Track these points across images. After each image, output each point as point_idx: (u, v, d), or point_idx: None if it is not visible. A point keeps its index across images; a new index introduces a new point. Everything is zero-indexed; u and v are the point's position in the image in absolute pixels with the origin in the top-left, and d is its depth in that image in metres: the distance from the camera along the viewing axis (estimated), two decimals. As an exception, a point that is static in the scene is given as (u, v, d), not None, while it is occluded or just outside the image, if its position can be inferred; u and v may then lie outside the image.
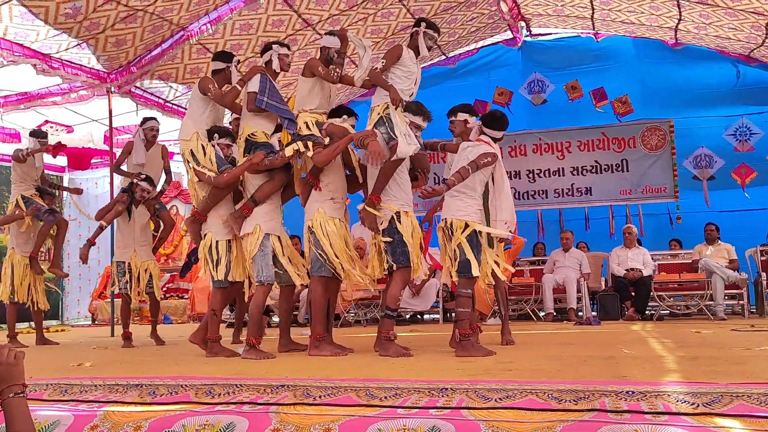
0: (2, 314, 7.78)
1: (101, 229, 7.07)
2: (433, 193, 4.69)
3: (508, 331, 5.77)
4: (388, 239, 5.02)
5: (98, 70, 8.52)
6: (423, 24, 5.44)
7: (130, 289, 7.10)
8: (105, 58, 8.15)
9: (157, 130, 7.38)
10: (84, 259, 7.13)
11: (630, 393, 2.85)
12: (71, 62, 8.12)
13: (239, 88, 5.49)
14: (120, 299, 7.40)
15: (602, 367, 3.86)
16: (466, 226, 4.89)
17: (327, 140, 5.14)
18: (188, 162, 5.57)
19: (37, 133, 7.81)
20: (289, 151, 5.15)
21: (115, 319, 9.15)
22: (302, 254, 9.74)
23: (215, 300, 5.50)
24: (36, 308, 7.64)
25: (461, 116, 5.39)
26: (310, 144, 5.12)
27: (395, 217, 5.04)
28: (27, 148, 7.63)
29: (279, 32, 8.93)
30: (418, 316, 10.22)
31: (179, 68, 8.91)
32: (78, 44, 7.73)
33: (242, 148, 5.42)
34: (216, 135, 5.52)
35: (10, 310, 7.58)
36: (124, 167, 7.31)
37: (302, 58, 9.74)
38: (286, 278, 5.40)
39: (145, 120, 7.36)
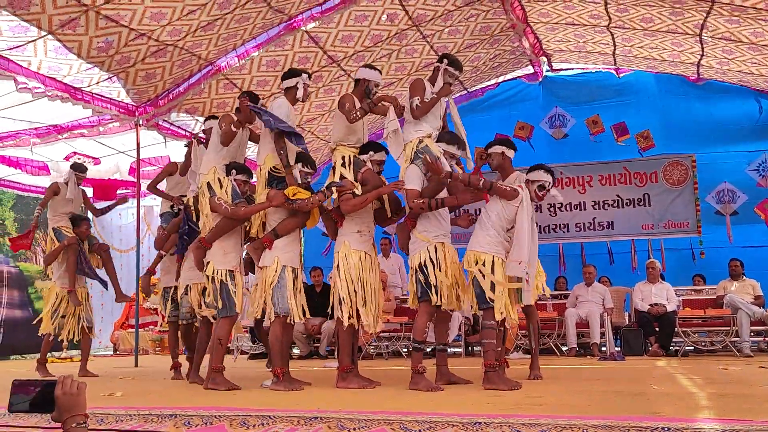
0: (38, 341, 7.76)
1: (160, 257, 6.94)
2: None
3: (537, 365, 5.73)
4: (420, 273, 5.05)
5: (127, 104, 8.68)
6: (445, 60, 5.51)
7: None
8: (134, 91, 8.31)
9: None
10: (146, 291, 7.28)
11: (666, 429, 2.85)
12: (101, 96, 8.29)
13: (234, 130, 5.60)
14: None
15: (633, 402, 3.85)
16: (486, 260, 4.95)
17: (358, 188, 5.20)
18: (203, 194, 5.63)
19: (77, 167, 7.85)
20: (317, 201, 5.20)
21: (139, 350, 9.22)
22: (324, 286, 9.88)
23: (221, 329, 5.48)
24: (79, 337, 7.60)
25: (498, 149, 5.41)
26: (334, 189, 5.20)
27: (429, 249, 5.06)
28: (65, 181, 7.74)
29: (305, 69, 9.07)
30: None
31: (206, 102, 9.06)
32: (109, 78, 7.90)
33: (263, 180, 5.48)
34: (234, 170, 5.59)
35: (45, 341, 7.57)
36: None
37: (327, 94, 9.90)
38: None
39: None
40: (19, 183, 11.35)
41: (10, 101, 8.02)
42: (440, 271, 5.01)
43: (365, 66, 5.77)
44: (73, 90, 7.90)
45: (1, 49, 6.82)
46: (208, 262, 5.52)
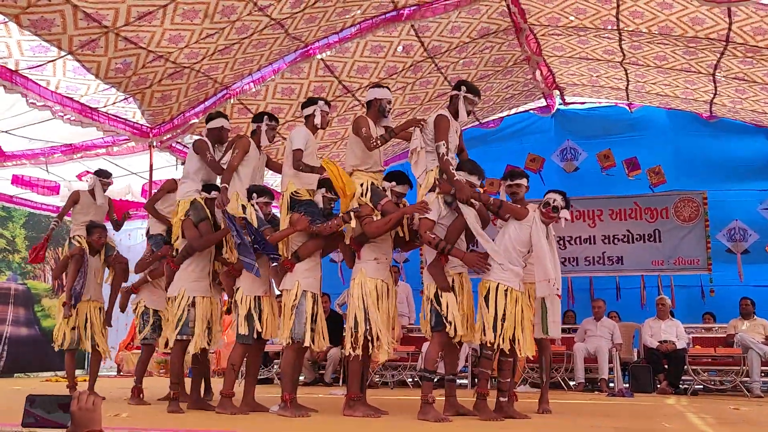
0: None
1: (146, 281, 6.83)
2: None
3: (546, 399, 5.69)
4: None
5: (141, 125, 8.73)
6: (463, 88, 5.51)
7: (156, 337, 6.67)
8: (150, 112, 8.35)
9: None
10: (122, 307, 7.11)
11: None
12: (117, 116, 8.33)
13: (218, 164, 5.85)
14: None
15: (646, 440, 3.80)
16: (491, 288, 4.97)
17: (377, 214, 5.21)
18: (227, 219, 5.66)
19: (101, 173, 7.68)
20: (336, 225, 5.23)
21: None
22: (331, 312, 9.86)
23: (235, 354, 5.49)
24: (93, 354, 7.21)
25: (524, 182, 5.44)
26: (352, 215, 5.18)
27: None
28: (88, 189, 7.56)
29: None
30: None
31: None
32: (125, 98, 7.95)
33: (286, 206, 5.49)
34: (255, 194, 5.61)
35: (67, 359, 7.26)
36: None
37: (341, 123, 9.95)
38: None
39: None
40: (31, 201, 11.39)
41: (26, 120, 8.07)
42: (456, 302, 4.97)
43: (374, 86, 5.79)
44: (89, 110, 7.94)
45: (21, 68, 6.88)
46: (238, 288, 5.53)
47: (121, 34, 6.67)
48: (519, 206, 5.20)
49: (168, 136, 8.81)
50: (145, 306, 6.77)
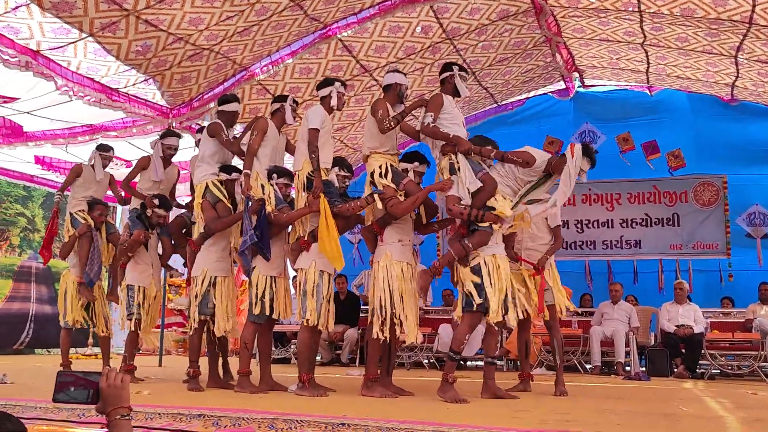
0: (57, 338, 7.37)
1: (129, 258, 6.68)
2: None
3: (562, 381, 5.70)
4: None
5: (161, 106, 8.77)
6: (455, 67, 5.56)
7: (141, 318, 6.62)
8: (169, 93, 8.39)
9: (176, 149, 7.14)
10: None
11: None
12: (137, 97, 8.38)
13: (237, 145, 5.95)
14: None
15: (664, 424, 3.81)
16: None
17: (402, 195, 5.21)
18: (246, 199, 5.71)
19: (102, 147, 7.51)
20: (358, 206, 5.25)
21: (164, 350, 9.25)
22: (348, 294, 9.93)
23: (247, 333, 5.57)
24: (101, 334, 7.06)
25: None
26: (376, 196, 5.19)
27: (480, 262, 5.03)
28: (90, 164, 7.38)
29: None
30: (461, 362, 10.14)
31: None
32: (145, 80, 7.99)
33: (302, 185, 5.52)
34: (275, 175, 5.64)
35: (63, 336, 7.07)
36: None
37: (358, 103, 9.94)
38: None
39: (167, 134, 7.13)
40: (51, 180, 11.50)
41: (47, 101, 8.12)
42: (490, 285, 4.95)
43: (393, 71, 5.79)
44: (109, 90, 8.00)
45: (42, 49, 6.93)
46: (254, 267, 5.59)
47: (142, 17, 6.70)
48: (526, 152, 5.27)
49: (187, 116, 8.85)
50: (129, 284, 6.66)
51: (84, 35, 6.76)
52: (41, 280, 11.55)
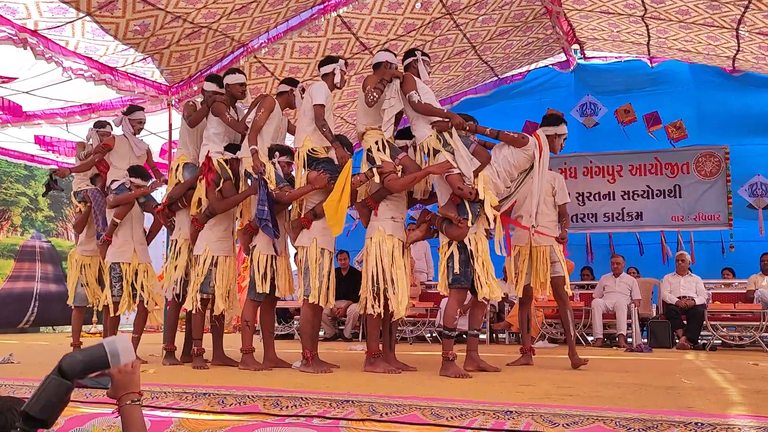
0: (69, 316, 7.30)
1: (114, 225, 6.45)
2: None
3: (575, 352, 5.76)
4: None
5: (160, 84, 8.74)
6: (418, 52, 5.68)
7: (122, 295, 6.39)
8: (168, 72, 8.35)
9: (144, 122, 7.05)
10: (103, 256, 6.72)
11: (699, 425, 2.85)
12: (135, 75, 8.35)
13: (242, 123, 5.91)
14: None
15: (665, 396, 3.84)
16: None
17: (400, 170, 5.22)
18: (248, 178, 5.72)
19: (97, 124, 7.32)
20: (357, 182, 5.28)
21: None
22: (351, 270, 9.95)
23: (248, 311, 5.62)
24: (109, 313, 6.61)
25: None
26: (375, 170, 5.22)
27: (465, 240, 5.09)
28: (89, 142, 7.24)
29: (337, 56, 9.07)
30: (464, 336, 10.19)
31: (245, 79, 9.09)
32: (143, 59, 7.95)
33: (302, 163, 5.53)
34: (277, 153, 5.64)
35: (75, 315, 7.06)
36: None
37: (359, 81, 9.86)
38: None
39: (133, 109, 6.96)
40: (52, 160, 11.50)
41: (46, 81, 8.11)
42: (476, 261, 5.02)
43: (384, 50, 5.86)
44: (108, 69, 7.97)
45: (40, 28, 6.89)
46: (254, 246, 5.61)
47: (139, -4, 6.66)
48: (516, 134, 5.35)
49: (185, 93, 8.81)
50: (111, 261, 6.46)
51: (81, 15, 6.73)
52: (46, 259, 11.60)
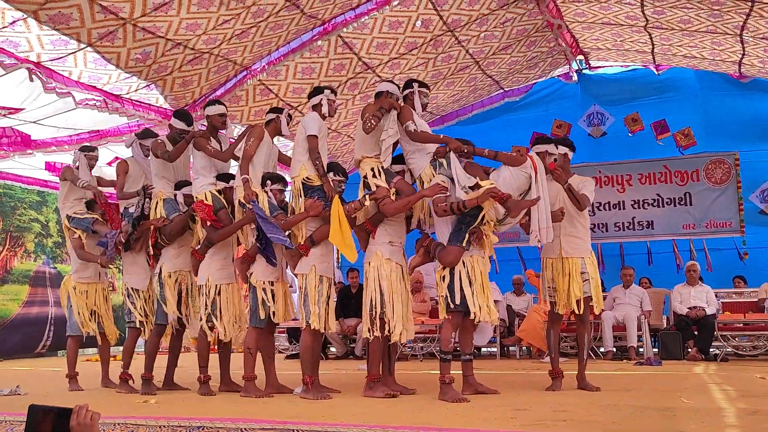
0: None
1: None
2: None
3: (584, 377, 5.61)
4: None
5: (165, 109, 8.83)
6: (416, 84, 5.68)
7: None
8: (172, 97, 8.45)
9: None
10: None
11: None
12: (140, 102, 8.46)
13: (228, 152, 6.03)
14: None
15: (660, 420, 3.83)
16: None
17: (394, 193, 5.28)
18: (242, 207, 5.75)
19: (84, 148, 7.07)
20: (353, 209, 5.35)
21: (183, 348, 9.31)
22: (360, 287, 9.97)
23: (250, 338, 5.63)
24: (102, 341, 6.82)
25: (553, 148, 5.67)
26: (367, 197, 5.28)
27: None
28: (75, 165, 6.89)
29: (340, 76, 9.15)
30: (475, 351, 10.17)
31: (244, 110, 9.17)
32: (147, 86, 8.06)
33: (298, 191, 5.57)
34: (269, 181, 5.68)
35: (69, 345, 6.80)
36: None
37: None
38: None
39: (147, 134, 6.82)
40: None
41: (52, 110, 8.23)
42: (470, 284, 5.02)
43: (388, 81, 5.92)
44: (113, 97, 8.09)
45: (43, 60, 7.01)
46: (251, 273, 5.66)
47: (139, 25, 6.74)
48: (514, 154, 5.35)
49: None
50: (128, 287, 6.43)
51: (82, 45, 6.83)
52: (56, 284, 11.74)
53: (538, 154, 5.52)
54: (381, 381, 5.30)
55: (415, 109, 5.53)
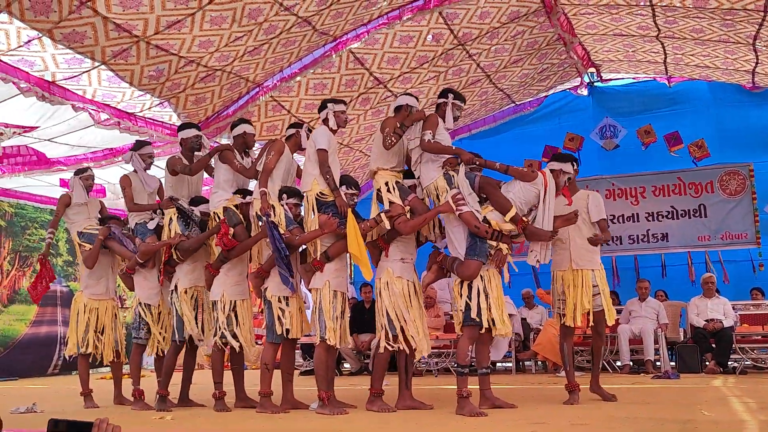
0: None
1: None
2: None
3: (600, 386, 5.66)
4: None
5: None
6: (451, 95, 5.60)
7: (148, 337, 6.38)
8: (185, 115, 8.48)
9: (153, 156, 6.90)
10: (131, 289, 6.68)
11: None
12: (153, 120, 8.51)
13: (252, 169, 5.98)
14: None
15: (678, 432, 3.77)
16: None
17: (408, 211, 5.27)
18: (259, 220, 5.74)
19: (78, 171, 7.05)
20: (368, 227, 5.34)
21: (197, 365, 9.28)
22: (374, 302, 9.94)
23: (267, 354, 5.61)
24: (113, 360, 6.73)
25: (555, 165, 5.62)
26: (383, 215, 5.26)
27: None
28: (72, 191, 6.86)
29: (352, 91, 9.18)
30: (492, 366, 10.10)
31: (256, 126, 9.16)
32: (160, 103, 8.11)
33: (311, 206, 5.56)
34: (285, 195, 5.68)
35: (81, 363, 6.71)
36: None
37: (375, 115, 9.96)
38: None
39: (141, 144, 6.79)
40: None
41: (66, 128, 8.28)
42: (486, 297, 5.00)
43: (406, 94, 5.88)
44: (126, 115, 8.14)
45: (57, 79, 7.07)
46: (266, 288, 5.65)
47: (152, 43, 6.80)
48: (526, 170, 5.37)
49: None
50: (140, 302, 6.43)
51: (97, 64, 6.89)
52: (67, 303, 11.74)
53: (552, 171, 5.49)
54: (381, 395, 5.30)
55: (445, 120, 5.48)
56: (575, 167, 5.72)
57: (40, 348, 11.26)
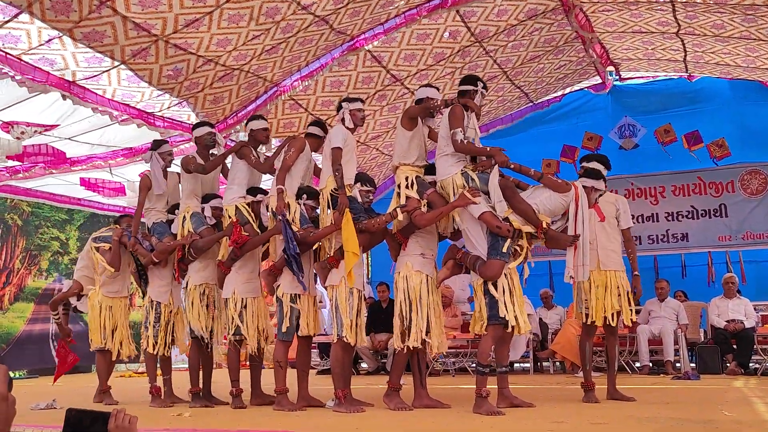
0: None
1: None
2: None
3: (616, 388, 5.61)
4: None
5: (197, 126, 8.91)
6: (480, 84, 5.49)
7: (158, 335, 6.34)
8: (204, 114, 8.52)
9: (173, 154, 6.90)
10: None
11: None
12: (172, 119, 8.55)
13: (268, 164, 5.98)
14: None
15: (701, 432, 3.73)
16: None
17: (425, 205, 5.24)
18: (273, 216, 5.74)
19: (156, 143, 6.87)
20: (384, 221, 5.32)
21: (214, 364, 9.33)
22: (390, 302, 9.93)
23: (278, 352, 5.60)
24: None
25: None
26: (399, 210, 5.25)
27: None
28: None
29: (369, 88, 9.18)
30: (510, 366, 10.05)
31: (273, 123, 9.21)
32: (179, 103, 8.15)
33: (326, 203, 5.57)
34: (305, 195, 5.68)
35: (99, 360, 6.90)
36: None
37: (391, 111, 9.94)
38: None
39: (159, 143, 6.80)
40: (96, 202, 11.79)
41: (86, 126, 8.34)
42: (510, 296, 4.93)
43: (426, 85, 5.82)
44: (146, 115, 8.19)
45: (77, 78, 7.12)
46: (278, 286, 5.65)
47: (171, 42, 6.83)
48: (560, 180, 5.24)
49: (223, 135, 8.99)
50: (151, 299, 6.44)
51: (116, 63, 6.93)
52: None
53: (584, 187, 5.40)
54: (399, 391, 5.29)
55: (472, 110, 5.35)
56: (604, 176, 5.63)
57: (36, 344, 11.21)
